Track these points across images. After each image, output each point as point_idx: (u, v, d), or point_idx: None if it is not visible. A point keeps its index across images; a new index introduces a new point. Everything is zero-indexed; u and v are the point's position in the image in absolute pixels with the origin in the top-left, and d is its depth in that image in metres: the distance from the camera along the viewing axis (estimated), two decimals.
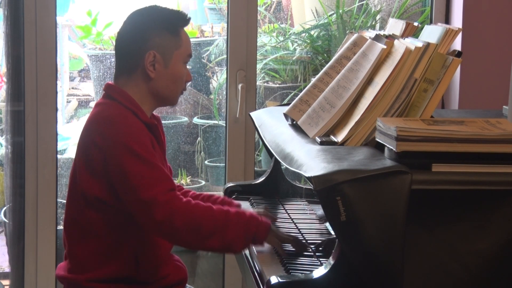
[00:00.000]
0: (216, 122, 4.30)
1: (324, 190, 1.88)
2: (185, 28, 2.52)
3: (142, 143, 2.36)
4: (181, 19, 2.49)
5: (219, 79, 4.32)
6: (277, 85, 4.32)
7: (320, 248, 2.32)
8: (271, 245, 2.34)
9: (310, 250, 2.32)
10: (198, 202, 2.34)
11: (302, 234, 2.49)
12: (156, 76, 2.45)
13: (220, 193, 2.83)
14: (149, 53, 2.43)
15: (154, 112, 2.57)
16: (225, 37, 3.87)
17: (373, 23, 4.33)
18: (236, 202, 2.69)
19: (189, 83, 2.56)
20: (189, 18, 2.51)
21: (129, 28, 2.49)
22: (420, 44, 2.20)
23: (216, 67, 4.39)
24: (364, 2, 4.31)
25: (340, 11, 4.25)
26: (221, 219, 2.30)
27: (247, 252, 2.40)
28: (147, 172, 2.32)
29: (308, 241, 2.40)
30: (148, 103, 2.48)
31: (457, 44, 3.70)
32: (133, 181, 2.31)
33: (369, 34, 2.49)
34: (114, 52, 2.56)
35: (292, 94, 4.23)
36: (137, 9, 2.52)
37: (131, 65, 2.47)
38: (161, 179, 2.33)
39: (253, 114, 2.82)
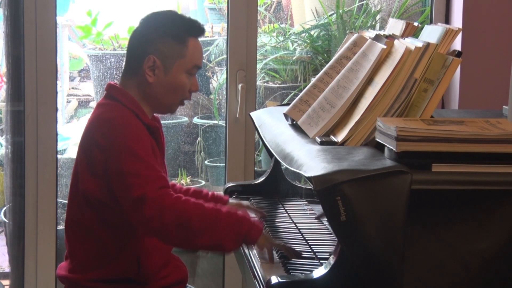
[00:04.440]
0: (216, 122, 4.30)
1: (324, 190, 1.88)
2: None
3: (142, 145, 2.36)
4: (192, 29, 2.47)
5: (219, 79, 4.31)
6: (277, 85, 4.32)
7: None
8: (262, 248, 2.29)
9: (301, 257, 2.28)
10: (188, 199, 2.31)
11: (302, 234, 2.49)
12: (154, 81, 2.45)
13: (220, 193, 2.82)
14: (149, 57, 2.44)
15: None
16: (225, 37, 3.86)
17: (373, 23, 4.33)
18: (226, 197, 2.71)
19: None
20: (203, 30, 2.49)
21: (139, 29, 2.50)
22: (420, 44, 2.20)
23: (216, 67, 4.38)
24: (364, 2, 4.31)
25: (340, 11, 4.25)
26: (211, 217, 2.27)
27: (247, 252, 2.40)
28: (143, 171, 2.31)
29: (308, 241, 2.40)
30: (146, 106, 2.49)
31: (457, 44, 3.69)
32: (128, 180, 2.31)
33: (369, 34, 2.49)
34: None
35: (292, 94, 4.23)
36: (155, 12, 2.53)
37: (134, 66, 2.48)
38: (155, 178, 2.32)
39: (253, 114, 2.81)
